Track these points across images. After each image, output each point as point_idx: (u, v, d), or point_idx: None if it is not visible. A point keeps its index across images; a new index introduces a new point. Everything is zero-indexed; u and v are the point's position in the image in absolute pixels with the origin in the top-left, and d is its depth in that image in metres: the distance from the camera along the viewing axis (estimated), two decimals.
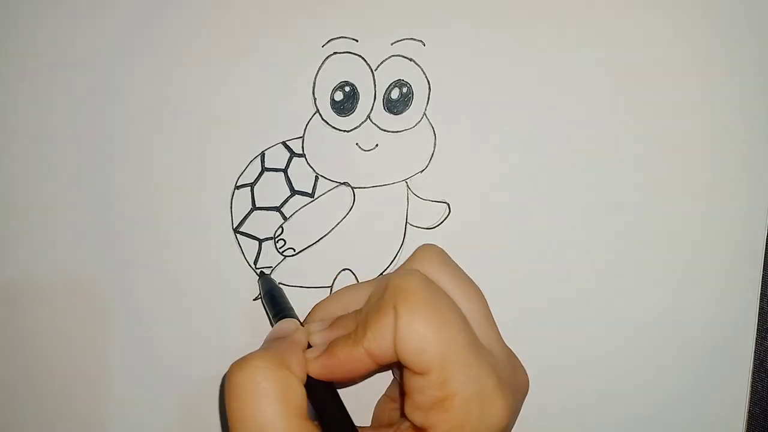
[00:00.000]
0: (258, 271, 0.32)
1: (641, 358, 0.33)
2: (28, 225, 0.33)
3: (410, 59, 0.32)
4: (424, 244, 0.29)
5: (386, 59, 0.32)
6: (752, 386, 0.33)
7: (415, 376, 0.25)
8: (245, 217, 0.33)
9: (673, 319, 0.33)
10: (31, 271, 0.33)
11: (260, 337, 0.29)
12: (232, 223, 0.33)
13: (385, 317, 0.25)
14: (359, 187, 0.33)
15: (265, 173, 0.33)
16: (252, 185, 0.33)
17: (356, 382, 0.32)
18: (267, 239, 0.33)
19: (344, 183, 0.33)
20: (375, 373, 0.31)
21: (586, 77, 0.32)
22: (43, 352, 0.33)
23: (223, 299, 0.33)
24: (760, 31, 0.32)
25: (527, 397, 0.32)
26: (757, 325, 0.33)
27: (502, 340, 0.28)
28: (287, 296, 0.32)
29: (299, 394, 0.25)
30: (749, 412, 0.33)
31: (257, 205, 0.33)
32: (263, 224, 0.33)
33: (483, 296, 0.28)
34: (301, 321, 0.30)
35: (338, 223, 0.33)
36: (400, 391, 0.29)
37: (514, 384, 0.27)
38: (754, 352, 0.33)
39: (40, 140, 0.33)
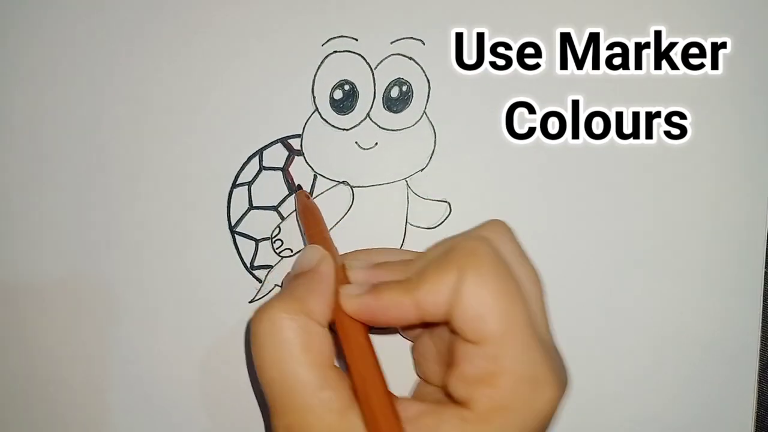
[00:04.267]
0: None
1: (646, 360, 0.33)
2: (26, 224, 0.32)
3: (410, 58, 0.32)
4: (493, 219, 0.28)
5: (386, 58, 0.32)
6: (758, 388, 0.32)
7: (467, 344, 0.24)
8: (242, 217, 0.32)
9: (676, 321, 0.33)
10: (28, 271, 0.32)
11: None
12: (229, 223, 0.32)
13: (447, 275, 0.24)
14: (358, 186, 0.32)
15: (263, 172, 0.32)
16: (249, 184, 0.32)
17: (385, 332, 0.31)
18: (264, 239, 0.32)
19: (343, 182, 0.32)
20: (406, 329, 0.30)
21: (585, 75, 0.32)
22: (42, 352, 0.32)
23: (219, 299, 0.32)
24: (760, 29, 0.32)
25: None
26: (762, 326, 0.32)
27: (551, 332, 0.27)
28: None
29: (321, 340, 0.25)
30: (756, 414, 0.32)
31: (254, 205, 0.32)
32: (260, 224, 0.32)
33: (542, 283, 0.27)
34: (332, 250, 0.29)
35: (337, 223, 0.32)
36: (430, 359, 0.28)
37: (563, 378, 0.25)
38: (760, 353, 0.32)
39: (38, 139, 0.32)
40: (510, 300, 0.24)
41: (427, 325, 0.28)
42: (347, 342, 0.25)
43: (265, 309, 0.25)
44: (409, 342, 0.31)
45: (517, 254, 0.26)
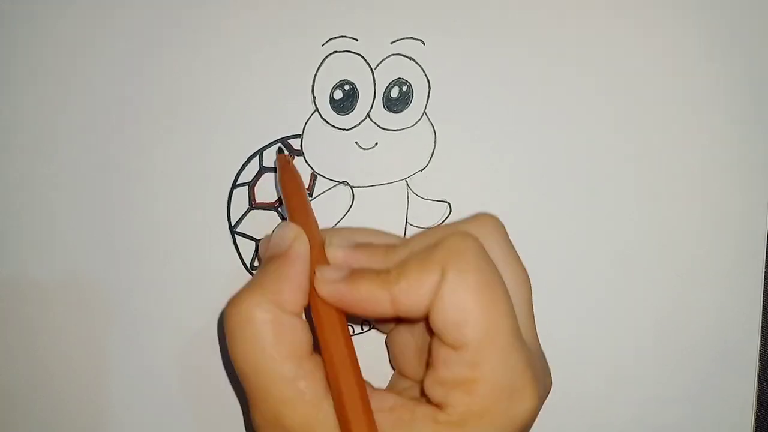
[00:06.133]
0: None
1: (646, 360, 0.33)
2: (26, 224, 0.32)
3: (410, 58, 0.32)
4: (484, 213, 0.27)
5: (386, 58, 0.32)
6: (758, 387, 0.32)
7: (446, 347, 0.23)
8: (242, 217, 0.32)
9: (676, 320, 0.33)
10: (29, 271, 0.32)
11: None
12: (229, 223, 0.32)
13: (428, 274, 0.23)
14: (358, 186, 0.32)
15: (264, 172, 0.32)
16: (250, 184, 0.32)
17: (367, 325, 0.31)
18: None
19: (343, 182, 0.32)
20: (387, 322, 0.30)
21: (585, 76, 0.32)
22: (41, 352, 0.32)
23: (220, 300, 0.32)
24: (759, 29, 0.32)
25: None
26: (762, 325, 0.32)
27: (537, 336, 0.26)
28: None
29: (295, 331, 0.24)
30: (756, 414, 0.32)
31: (254, 205, 0.32)
32: (260, 224, 0.32)
33: (530, 285, 0.26)
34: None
35: (337, 223, 0.32)
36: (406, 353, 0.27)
37: (544, 383, 0.25)
38: (760, 353, 0.32)
39: (39, 140, 0.32)
40: (493, 305, 0.23)
41: (400, 320, 0.27)
42: (321, 329, 0.25)
43: (235, 302, 0.24)
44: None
45: (506, 254, 0.26)
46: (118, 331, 0.32)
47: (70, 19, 0.32)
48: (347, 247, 0.26)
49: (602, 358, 0.32)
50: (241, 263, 0.32)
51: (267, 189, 0.32)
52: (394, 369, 0.30)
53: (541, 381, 0.24)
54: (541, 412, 0.32)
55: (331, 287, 0.24)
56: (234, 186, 0.32)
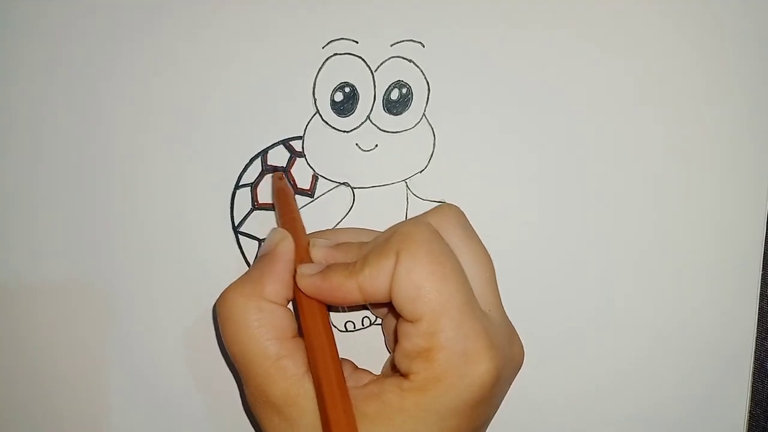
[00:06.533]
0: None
1: (641, 359, 0.33)
2: (27, 225, 0.33)
3: (410, 60, 0.32)
4: (444, 203, 0.30)
5: (386, 60, 0.32)
6: (753, 387, 0.33)
7: (406, 323, 0.26)
8: (245, 217, 0.33)
9: (672, 320, 0.33)
10: (30, 271, 0.33)
11: None
12: (233, 223, 0.33)
13: (385, 260, 0.26)
14: (359, 187, 0.33)
15: (266, 173, 0.33)
16: (252, 185, 0.33)
17: (344, 310, 0.33)
18: None
19: (344, 183, 0.33)
20: (365, 308, 0.32)
21: (585, 77, 0.32)
22: (41, 352, 0.33)
23: None
24: (760, 30, 0.32)
25: (525, 396, 0.32)
26: (757, 326, 0.33)
27: (503, 310, 0.28)
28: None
29: (276, 316, 0.27)
30: (750, 413, 0.33)
31: (257, 205, 0.33)
32: (263, 224, 0.33)
33: (491, 264, 0.28)
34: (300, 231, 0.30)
35: (338, 223, 0.33)
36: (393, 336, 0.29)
37: (507, 353, 0.27)
38: (754, 352, 0.33)
39: (39, 139, 0.33)
40: (443, 280, 0.25)
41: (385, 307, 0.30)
42: (302, 316, 0.27)
43: (225, 293, 0.28)
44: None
45: (465, 237, 0.28)
46: (122, 331, 0.33)
47: (73, 19, 0.33)
48: (327, 246, 0.29)
49: (597, 356, 0.33)
50: (244, 262, 0.33)
51: (269, 190, 0.33)
52: (389, 351, 0.32)
53: (500, 348, 0.26)
54: (539, 410, 0.33)
55: (308, 280, 0.27)
56: (237, 187, 0.33)
